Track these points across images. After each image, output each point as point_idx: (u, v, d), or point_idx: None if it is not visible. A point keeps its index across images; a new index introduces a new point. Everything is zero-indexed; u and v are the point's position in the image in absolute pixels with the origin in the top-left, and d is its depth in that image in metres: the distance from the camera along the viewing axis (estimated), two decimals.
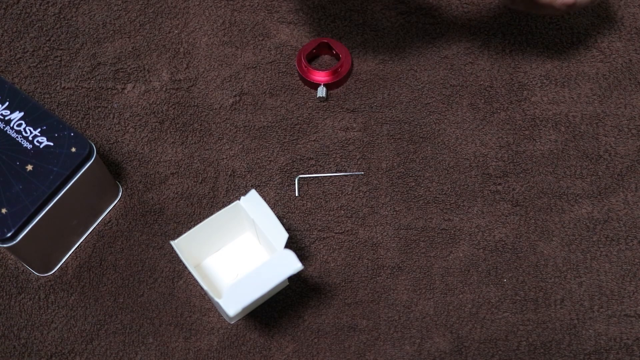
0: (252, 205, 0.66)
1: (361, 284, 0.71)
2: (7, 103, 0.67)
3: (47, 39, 0.80)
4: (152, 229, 0.73)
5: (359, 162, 0.75)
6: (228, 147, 0.76)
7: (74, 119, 0.77)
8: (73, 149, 0.66)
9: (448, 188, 0.74)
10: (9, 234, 0.64)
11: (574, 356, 0.69)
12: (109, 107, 0.78)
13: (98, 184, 0.70)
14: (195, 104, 0.78)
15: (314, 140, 0.76)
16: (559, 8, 0.68)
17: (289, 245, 0.67)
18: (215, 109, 0.78)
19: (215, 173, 0.75)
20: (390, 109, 0.77)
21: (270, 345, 0.70)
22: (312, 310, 0.71)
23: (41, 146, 0.66)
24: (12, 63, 0.79)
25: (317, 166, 0.75)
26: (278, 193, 0.74)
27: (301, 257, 0.72)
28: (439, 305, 0.71)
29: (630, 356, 0.69)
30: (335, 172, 0.75)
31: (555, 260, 0.72)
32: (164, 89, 0.78)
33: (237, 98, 0.78)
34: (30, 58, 0.79)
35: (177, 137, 0.77)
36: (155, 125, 0.77)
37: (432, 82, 0.78)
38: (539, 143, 0.76)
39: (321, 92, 0.76)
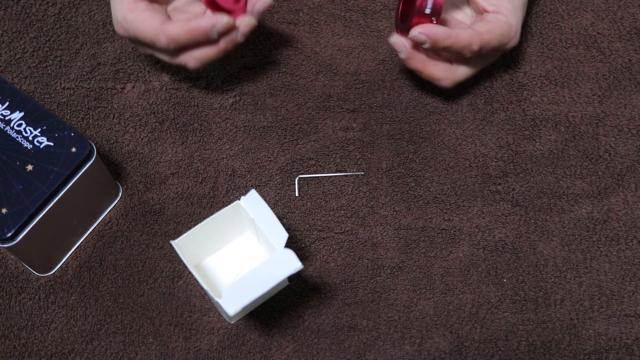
0: (252, 205, 0.66)
1: (361, 284, 0.71)
2: (7, 103, 0.67)
3: (47, 39, 0.80)
4: (152, 229, 0.73)
5: (359, 162, 0.75)
6: (228, 147, 0.76)
7: (74, 119, 0.77)
8: (73, 149, 0.66)
9: (448, 188, 0.74)
10: (9, 234, 0.64)
11: (574, 356, 0.69)
12: (109, 107, 0.78)
13: (98, 184, 0.70)
14: (195, 104, 0.78)
15: (314, 140, 0.76)
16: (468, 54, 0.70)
17: (289, 245, 0.67)
18: (215, 109, 0.78)
19: (215, 173, 0.75)
20: (390, 109, 0.77)
21: (270, 345, 0.70)
22: (312, 310, 0.71)
23: (41, 146, 0.66)
24: (12, 63, 0.79)
25: (317, 166, 0.75)
26: (278, 193, 0.74)
27: (301, 257, 0.72)
28: (439, 305, 0.71)
29: (630, 356, 0.69)
30: (335, 172, 0.75)
31: (555, 260, 0.72)
32: (164, 89, 0.78)
33: (237, 98, 0.78)
34: (30, 58, 0.79)
35: (177, 137, 0.77)
36: (155, 125, 0.77)
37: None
38: (538, 143, 0.76)
39: None
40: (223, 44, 0.69)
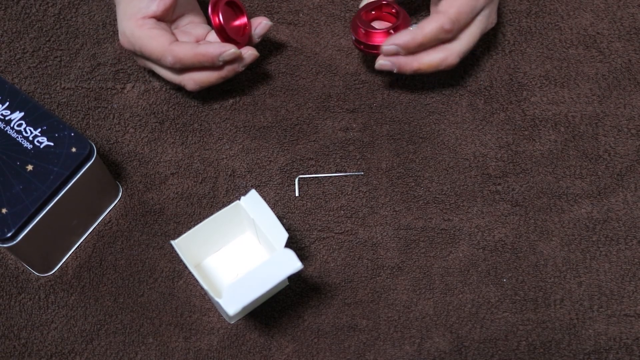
0: (252, 205, 0.66)
1: (361, 284, 0.71)
2: (7, 103, 0.67)
3: (47, 39, 0.80)
4: (152, 229, 0.73)
5: (358, 162, 0.75)
6: (228, 147, 0.76)
7: (74, 119, 0.77)
8: (73, 149, 0.66)
9: (448, 188, 0.74)
10: (9, 234, 0.64)
11: (573, 356, 0.69)
12: (109, 107, 0.78)
13: (98, 184, 0.70)
14: (195, 104, 0.78)
15: (314, 140, 0.76)
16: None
17: (289, 245, 0.67)
18: (215, 109, 0.78)
19: (215, 173, 0.75)
20: (390, 109, 0.77)
21: (270, 345, 0.70)
22: (312, 310, 0.71)
23: (41, 146, 0.66)
24: (12, 63, 0.79)
25: (317, 166, 0.75)
26: (278, 193, 0.74)
27: (301, 257, 0.72)
28: (439, 305, 0.71)
29: (630, 356, 0.69)
30: (335, 172, 0.75)
31: (555, 260, 0.72)
32: (163, 89, 0.78)
33: (237, 98, 0.78)
34: (30, 58, 0.79)
35: (177, 137, 0.77)
36: (155, 126, 0.77)
37: (432, 82, 0.78)
38: (538, 143, 0.76)
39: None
40: (225, 71, 0.72)
